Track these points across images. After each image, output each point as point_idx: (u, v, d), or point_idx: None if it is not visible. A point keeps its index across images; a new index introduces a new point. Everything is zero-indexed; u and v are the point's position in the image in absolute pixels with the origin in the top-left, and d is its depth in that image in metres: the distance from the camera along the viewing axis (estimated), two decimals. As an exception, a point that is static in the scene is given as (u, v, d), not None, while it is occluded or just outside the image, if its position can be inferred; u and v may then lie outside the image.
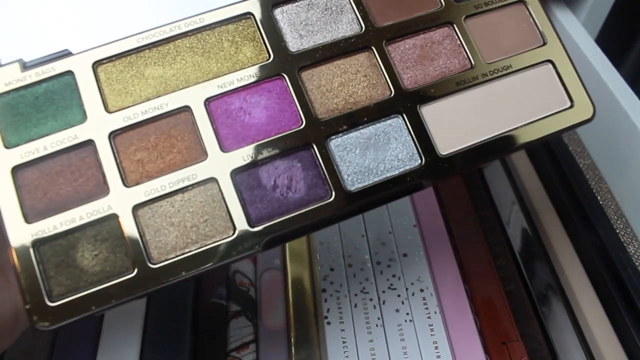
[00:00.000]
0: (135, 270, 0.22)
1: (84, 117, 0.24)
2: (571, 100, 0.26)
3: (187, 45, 0.25)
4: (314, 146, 0.24)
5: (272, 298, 0.32)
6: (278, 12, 0.26)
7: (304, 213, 0.23)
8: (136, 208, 0.23)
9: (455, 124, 0.25)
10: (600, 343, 0.29)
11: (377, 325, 0.30)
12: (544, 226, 0.33)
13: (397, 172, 0.24)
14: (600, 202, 0.32)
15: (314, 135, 0.24)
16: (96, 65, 0.24)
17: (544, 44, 0.27)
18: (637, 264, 0.30)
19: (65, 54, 0.25)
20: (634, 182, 0.31)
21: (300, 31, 0.26)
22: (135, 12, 0.27)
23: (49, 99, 0.24)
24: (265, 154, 0.24)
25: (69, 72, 0.24)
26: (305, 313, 0.30)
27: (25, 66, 0.24)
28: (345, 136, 0.24)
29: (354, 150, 0.24)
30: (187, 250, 0.23)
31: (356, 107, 0.25)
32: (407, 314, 0.30)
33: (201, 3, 0.26)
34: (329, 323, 0.30)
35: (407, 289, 0.31)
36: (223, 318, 0.32)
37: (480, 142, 0.25)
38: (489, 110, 0.26)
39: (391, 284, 0.31)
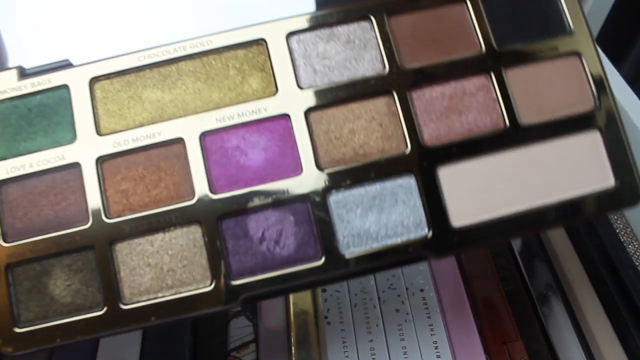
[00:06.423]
0: (105, 309, 0.21)
1: (73, 137, 0.22)
2: (616, 178, 0.23)
3: (191, 68, 0.23)
4: (311, 200, 0.22)
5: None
6: (294, 41, 0.23)
7: (289, 273, 0.21)
8: (114, 242, 0.22)
9: (476, 192, 0.22)
10: (600, 343, 0.28)
11: (377, 325, 0.29)
12: (544, 226, 0.34)
13: (399, 240, 0.22)
14: (600, 202, 0.33)
15: (312, 187, 0.22)
16: (93, 81, 0.23)
17: (596, 107, 0.23)
18: (637, 263, 0.30)
19: (66, 64, 0.23)
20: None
21: (315, 65, 0.23)
22: (150, 24, 0.25)
23: (41, 112, 0.23)
24: (257, 202, 0.22)
25: (65, 86, 0.23)
26: (305, 313, 0.30)
27: (23, 74, 0.23)
28: (348, 192, 0.22)
29: (354, 210, 0.22)
30: (160, 295, 0.21)
31: (365, 160, 0.22)
32: (407, 314, 0.30)
33: (219, 21, 0.24)
34: (329, 323, 0.30)
35: (407, 289, 0.31)
36: (223, 318, 0.31)
37: (501, 216, 0.22)
38: (518, 180, 0.23)
39: (391, 284, 0.31)
